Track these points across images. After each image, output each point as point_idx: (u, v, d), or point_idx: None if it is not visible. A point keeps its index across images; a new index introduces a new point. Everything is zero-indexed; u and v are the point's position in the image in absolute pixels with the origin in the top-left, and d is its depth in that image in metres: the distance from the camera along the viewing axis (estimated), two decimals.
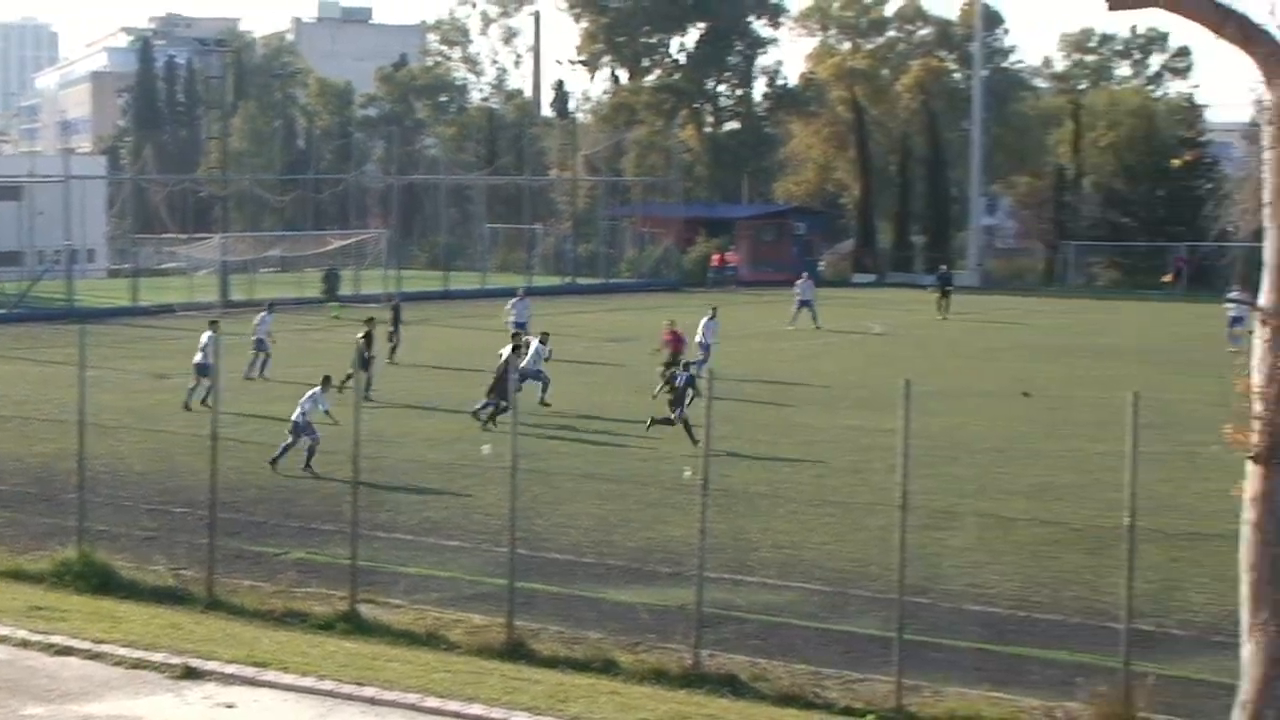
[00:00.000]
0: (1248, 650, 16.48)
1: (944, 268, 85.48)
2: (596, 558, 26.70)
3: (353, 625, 22.70)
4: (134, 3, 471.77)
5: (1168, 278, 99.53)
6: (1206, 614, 23.62)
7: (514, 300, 60.19)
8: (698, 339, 51.40)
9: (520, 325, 54.96)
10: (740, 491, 31.06)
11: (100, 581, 24.74)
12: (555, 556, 26.44)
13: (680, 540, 26.30)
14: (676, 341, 48.47)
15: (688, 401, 38.29)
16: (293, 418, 34.61)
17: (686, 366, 41.16)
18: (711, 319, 52.65)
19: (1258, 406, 16.03)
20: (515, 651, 21.54)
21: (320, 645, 21.58)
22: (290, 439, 34.56)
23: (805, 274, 78.35)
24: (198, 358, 42.71)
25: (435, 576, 25.65)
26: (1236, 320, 57.27)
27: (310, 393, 34.87)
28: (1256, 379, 16.09)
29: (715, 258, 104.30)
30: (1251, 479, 16.19)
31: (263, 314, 51.74)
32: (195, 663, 20.27)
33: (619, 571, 25.98)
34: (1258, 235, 16.96)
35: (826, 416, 43.46)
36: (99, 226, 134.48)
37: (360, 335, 45.70)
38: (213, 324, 42.04)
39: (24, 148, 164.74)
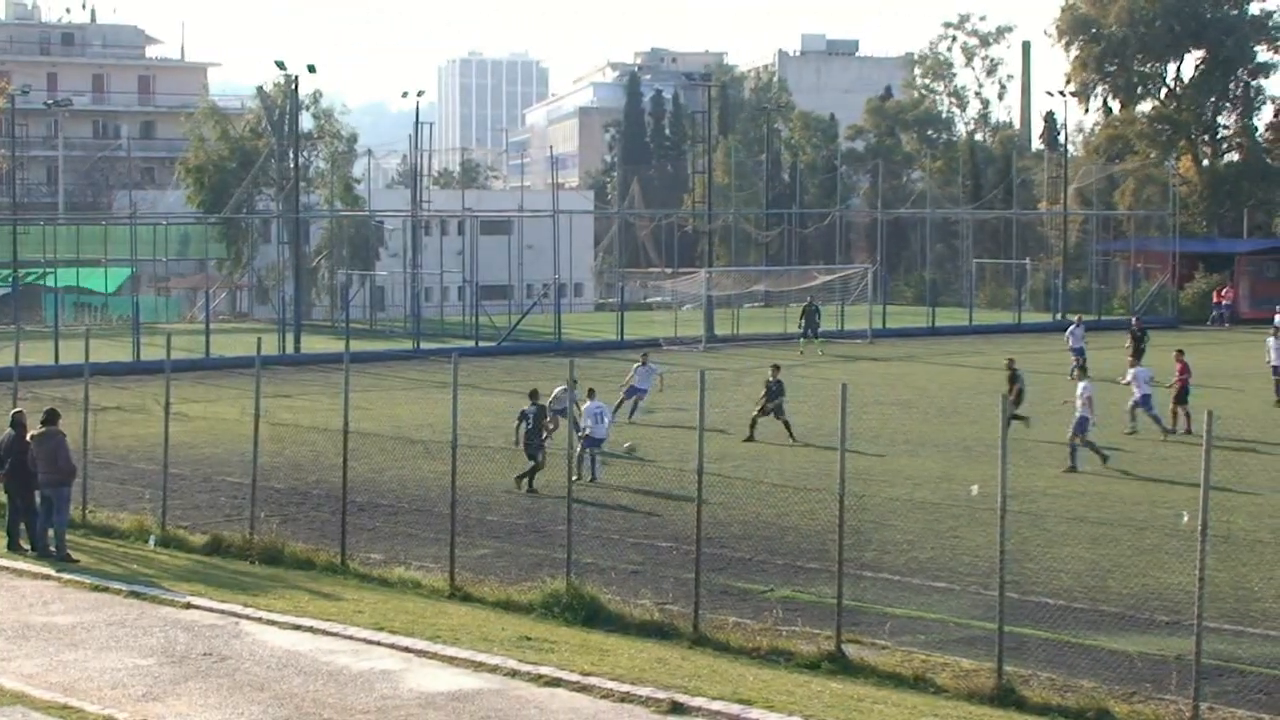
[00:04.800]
0: None
1: None
2: (1089, 603, 26.23)
3: (838, 665, 22.76)
4: (621, 39, 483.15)
5: None
6: None
7: (1071, 329, 65.13)
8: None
9: (1077, 352, 61.88)
10: (1242, 539, 30.21)
11: (588, 614, 25.33)
12: (1046, 601, 26.07)
13: (1178, 588, 25.66)
14: (1185, 371, 47.90)
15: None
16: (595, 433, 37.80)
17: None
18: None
19: None
20: (1005, 698, 21.32)
21: (806, 685, 21.69)
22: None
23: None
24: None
25: (922, 618, 25.57)
26: None
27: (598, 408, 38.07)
28: None
29: (1218, 293, 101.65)
30: None
31: (637, 366, 50.17)
32: (682, 698, 20.54)
33: (1113, 618, 25.49)
34: None
35: None
36: (586, 261, 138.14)
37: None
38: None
39: (513, 183, 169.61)
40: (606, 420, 38.95)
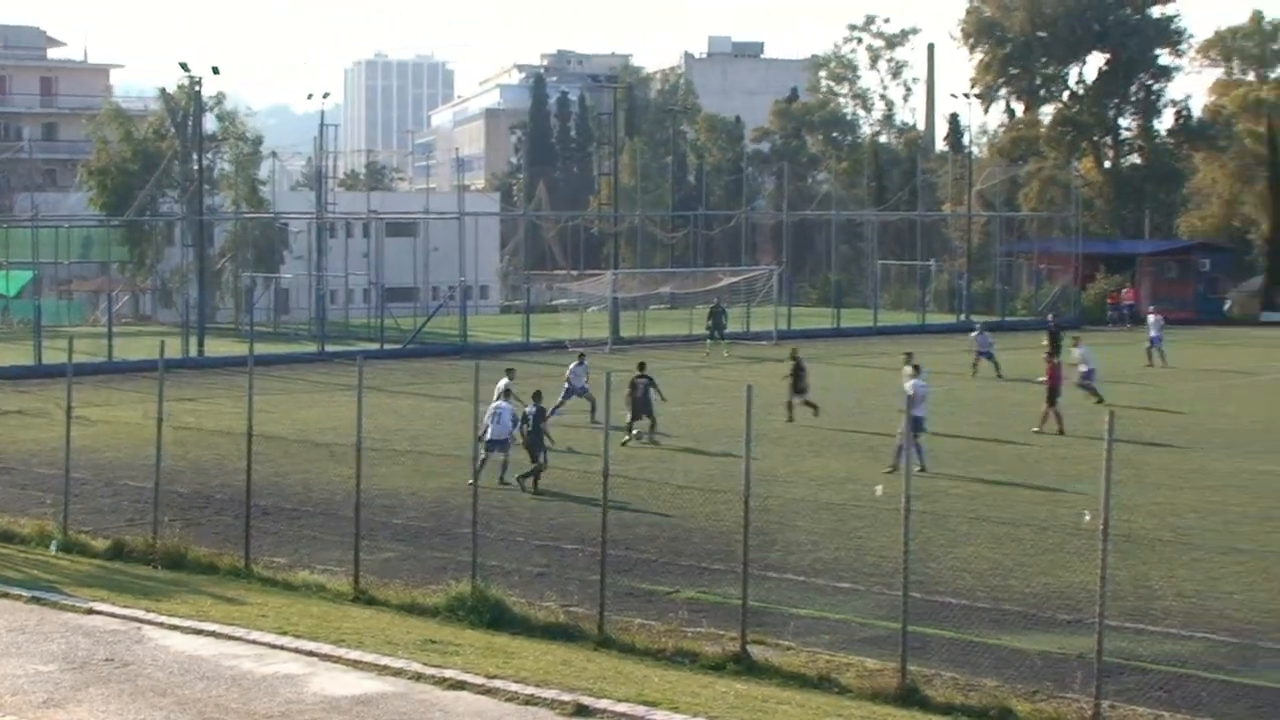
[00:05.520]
0: None
1: None
2: (992, 603, 26.39)
3: (743, 666, 22.81)
4: (527, 41, 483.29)
5: None
6: None
7: (976, 333, 67.69)
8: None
9: (987, 355, 64.60)
10: (1142, 537, 30.45)
11: (493, 616, 25.30)
12: (949, 600, 26.21)
13: (1079, 586, 25.85)
14: (1055, 373, 48.57)
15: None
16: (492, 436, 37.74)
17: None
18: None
19: None
20: (908, 697, 21.43)
21: (711, 686, 21.72)
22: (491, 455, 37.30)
23: (1153, 307, 76.67)
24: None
25: (827, 618, 25.67)
26: None
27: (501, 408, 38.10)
28: None
29: (1112, 295, 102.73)
30: None
31: (574, 365, 50.12)
32: (587, 700, 20.53)
33: (1015, 617, 25.65)
34: None
35: (1233, 461, 42.37)
36: (492, 263, 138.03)
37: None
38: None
39: (420, 185, 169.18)
40: (506, 421, 38.65)
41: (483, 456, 35.98)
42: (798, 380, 49.61)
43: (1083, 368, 54.36)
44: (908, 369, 42.93)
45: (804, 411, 48.90)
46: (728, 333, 79.57)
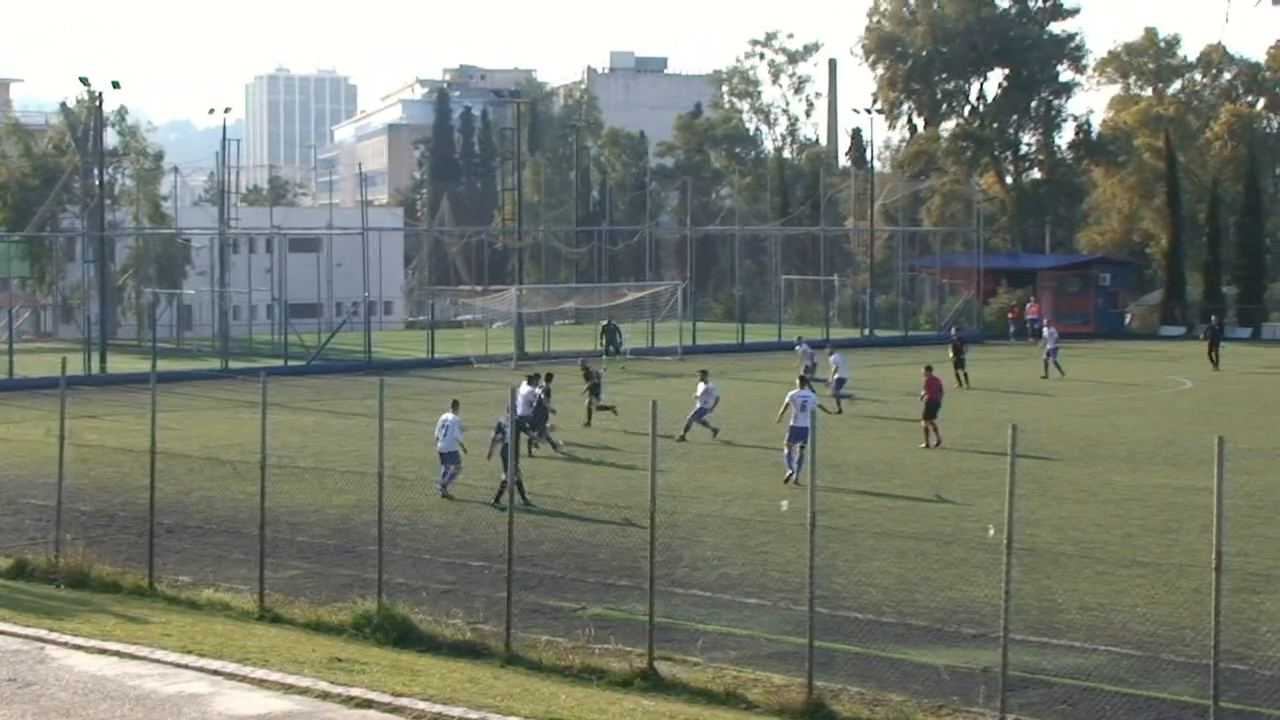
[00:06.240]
0: None
1: (1213, 319, 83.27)
2: (897, 617, 26.48)
3: (650, 683, 22.80)
4: (430, 56, 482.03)
5: None
6: None
7: (800, 346, 66.55)
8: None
9: (809, 369, 59.89)
10: (1046, 551, 30.66)
11: (399, 634, 25.20)
12: (855, 615, 26.30)
13: (984, 600, 26.02)
14: (933, 386, 48.65)
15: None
16: (441, 448, 38.39)
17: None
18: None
19: None
20: (815, 712, 21.46)
21: (618, 703, 21.71)
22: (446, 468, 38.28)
23: (1046, 320, 77.83)
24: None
25: (733, 634, 25.69)
26: None
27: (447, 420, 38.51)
28: None
29: (1013, 310, 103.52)
30: None
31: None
32: (494, 718, 20.48)
33: (921, 631, 25.75)
34: None
35: (1134, 474, 42.69)
36: (396, 278, 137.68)
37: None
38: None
39: (323, 201, 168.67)
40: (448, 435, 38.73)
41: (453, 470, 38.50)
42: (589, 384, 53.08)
43: (835, 376, 56.82)
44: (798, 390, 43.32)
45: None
46: (633, 349, 79.66)
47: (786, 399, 42.63)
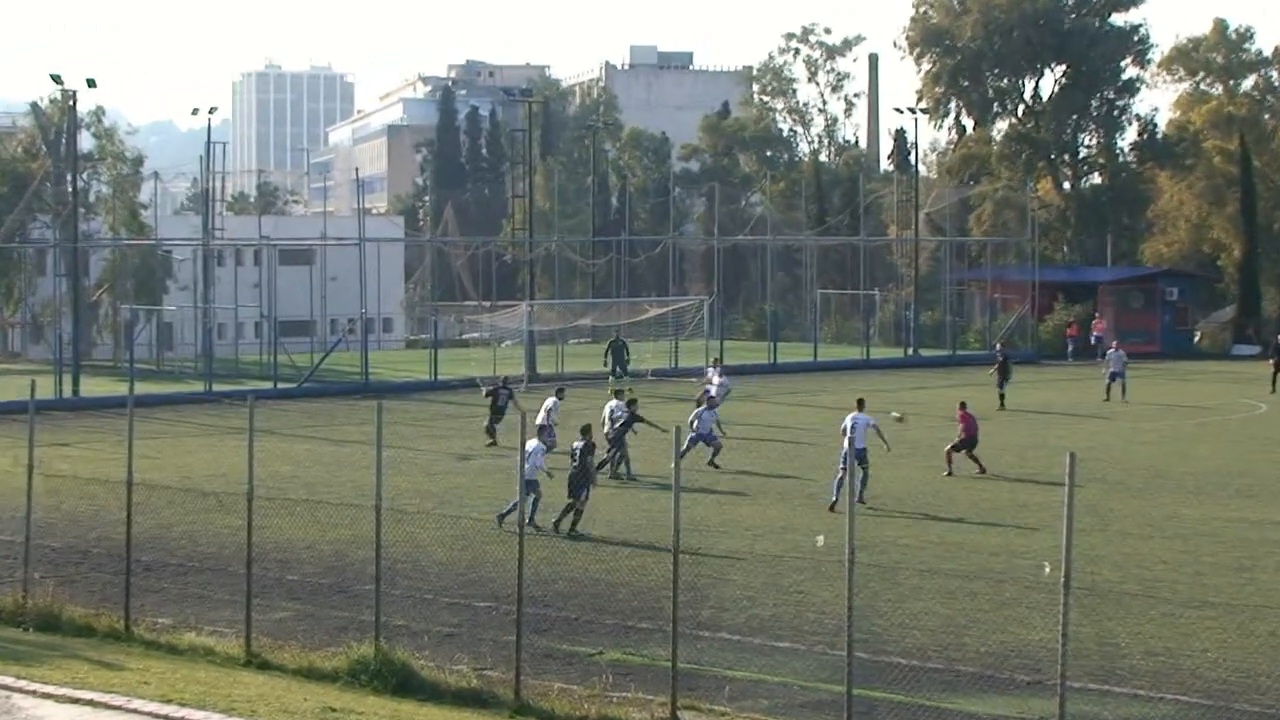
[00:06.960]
0: None
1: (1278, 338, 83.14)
2: (944, 663, 26.43)
3: None
4: (434, 51, 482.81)
5: None
6: None
7: (710, 371, 64.75)
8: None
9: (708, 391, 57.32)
10: (1107, 590, 30.59)
11: (399, 681, 25.17)
12: (898, 660, 26.26)
13: (1039, 644, 25.96)
14: (969, 422, 48.55)
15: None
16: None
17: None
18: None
19: None
20: None
21: None
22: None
23: (1116, 343, 77.18)
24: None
25: (764, 681, 25.64)
26: None
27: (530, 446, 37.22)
28: None
29: (1071, 326, 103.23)
30: None
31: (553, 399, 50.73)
32: None
33: (969, 678, 25.68)
34: None
35: (1203, 507, 42.58)
36: (395, 293, 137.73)
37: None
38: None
39: (316, 208, 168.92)
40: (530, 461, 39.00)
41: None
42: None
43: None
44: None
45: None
46: (655, 370, 79.67)
47: (848, 421, 42.80)
